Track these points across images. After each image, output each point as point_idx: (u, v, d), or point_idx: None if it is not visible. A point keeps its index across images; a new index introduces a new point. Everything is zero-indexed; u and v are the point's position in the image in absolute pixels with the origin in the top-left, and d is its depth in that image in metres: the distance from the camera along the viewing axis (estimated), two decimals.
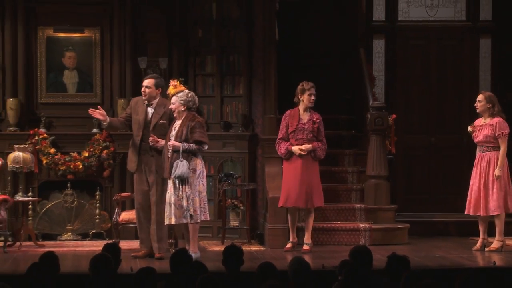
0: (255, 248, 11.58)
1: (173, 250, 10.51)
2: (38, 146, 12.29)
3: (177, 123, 10.37)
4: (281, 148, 11.29)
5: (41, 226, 12.35)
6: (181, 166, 10.18)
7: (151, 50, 12.79)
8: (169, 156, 10.27)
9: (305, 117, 11.29)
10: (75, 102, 12.62)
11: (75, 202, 12.45)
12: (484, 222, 11.25)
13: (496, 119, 11.20)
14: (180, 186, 10.20)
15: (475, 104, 11.39)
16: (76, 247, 11.64)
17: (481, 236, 11.27)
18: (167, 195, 10.32)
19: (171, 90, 11.54)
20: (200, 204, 10.28)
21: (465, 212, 11.34)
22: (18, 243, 11.51)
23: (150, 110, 10.61)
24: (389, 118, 12.16)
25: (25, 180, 12.09)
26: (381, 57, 13.84)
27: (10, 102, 12.41)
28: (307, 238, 11.19)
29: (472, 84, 13.66)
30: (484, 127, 11.25)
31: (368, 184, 12.11)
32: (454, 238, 12.34)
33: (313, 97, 11.24)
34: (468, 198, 11.27)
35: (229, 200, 12.26)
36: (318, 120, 11.24)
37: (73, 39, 12.73)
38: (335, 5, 13.75)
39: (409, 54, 13.87)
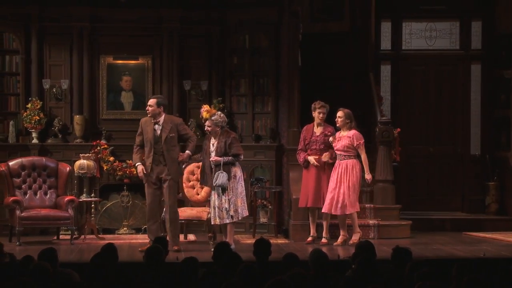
0: (281, 241, 11.56)
1: (212, 243, 10.55)
2: (99, 155, 12.33)
3: (214, 141, 10.44)
4: (300, 158, 11.25)
5: (101, 222, 12.39)
6: (221, 177, 10.27)
7: (194, 74, 12.80)
8: (212, 168, 10.37)
9: (318, 130, 11.22)
10: (130, 118, 12.64)
11: (130, 202, 12.47)
12: (326, 219, 10.99)
13: (353, 131, 10.99)
14: (222, 193, 10.29)
15: (335, 120, 11.09)
16: (131, 240, 11.66)
17: (342, 233, 11.00)
18: (212, 200, 10.43)
19: (205, 114, 11.59)
20: (241, 203, 10.36)
21: (323, 211, 10.95)
22: (82, 236, 11.57)
23: (157, 127, 10.49)
24: (394, 132, 12.10)
25: (89, 184, 12.12)
26: (387, 80, 13.81)
27: (77, 118, 12.47)
28: (325, 233, 11.15)
29: (465, 103, 13.60)
30: (342, 138, 11.00)
31: (376, 187, 12.06)
32: (449, 233, 12.25)
33: (321, 115, 11.13)
34: (326, 196, 10.92)
35: (259, 200, 12.25)
36: (329, 133, 11.15)
37: (129, 65, 12.78)
38: (349, 37, 13.72)
39: (411, 77, 13.81)
